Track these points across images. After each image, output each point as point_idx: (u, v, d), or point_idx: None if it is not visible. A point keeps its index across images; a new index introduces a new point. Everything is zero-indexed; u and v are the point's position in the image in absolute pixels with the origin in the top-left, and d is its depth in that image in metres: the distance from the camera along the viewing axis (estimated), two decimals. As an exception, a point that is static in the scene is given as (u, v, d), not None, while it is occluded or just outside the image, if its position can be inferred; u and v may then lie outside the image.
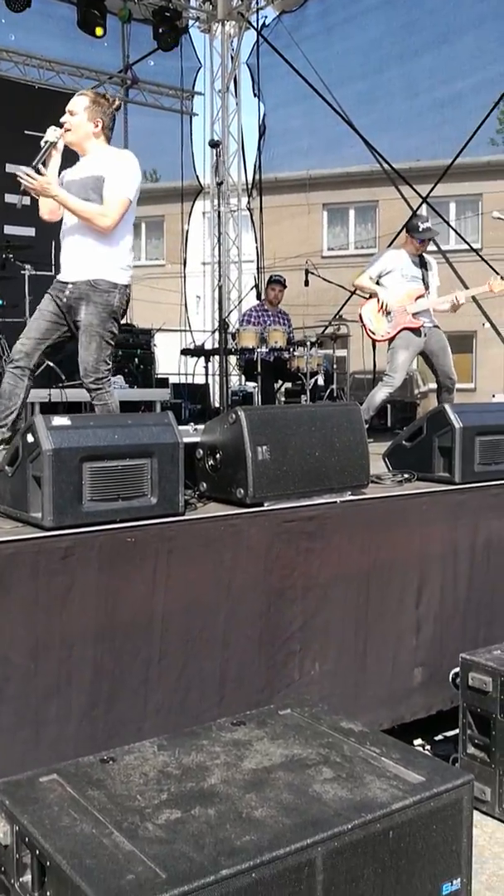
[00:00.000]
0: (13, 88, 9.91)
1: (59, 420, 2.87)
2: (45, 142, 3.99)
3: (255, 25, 11.31)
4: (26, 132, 9.86)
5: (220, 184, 7.24)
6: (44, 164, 4.02)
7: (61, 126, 4.05)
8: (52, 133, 4.01)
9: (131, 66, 11.36)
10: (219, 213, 6.69)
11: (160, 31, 10.80)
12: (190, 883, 1.78)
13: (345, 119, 10.08)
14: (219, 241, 6.31)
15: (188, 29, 11.70)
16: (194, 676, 3.09)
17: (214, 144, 6.73)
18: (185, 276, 12.49)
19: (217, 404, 9.31)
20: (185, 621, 3.05)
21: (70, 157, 4.17)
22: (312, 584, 3.42)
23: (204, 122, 12.36)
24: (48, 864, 1.90)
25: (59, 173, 4.11)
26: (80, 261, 4.05)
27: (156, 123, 11.95)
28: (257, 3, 11.63)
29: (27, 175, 3.86)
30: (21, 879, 2.05)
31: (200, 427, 3.57)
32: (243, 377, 9.30)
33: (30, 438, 2.87)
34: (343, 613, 3.54)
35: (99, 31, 10.08)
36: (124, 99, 11.46)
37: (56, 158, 4.06)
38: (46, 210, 4.18)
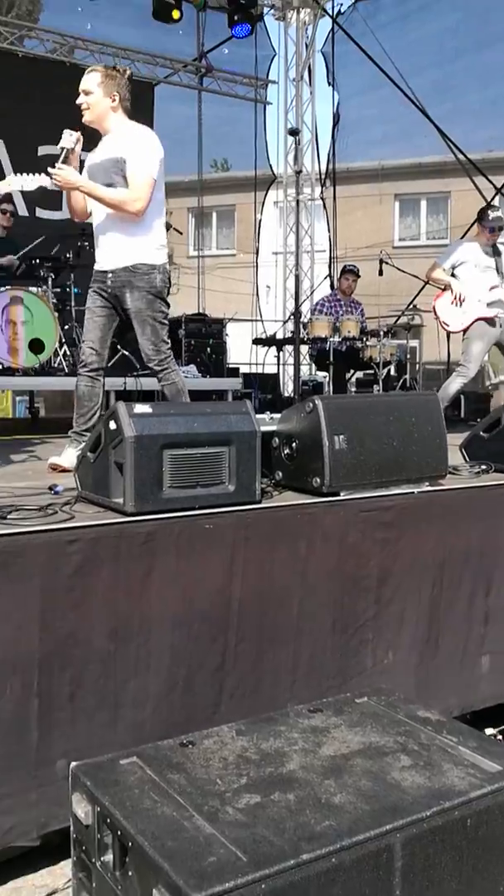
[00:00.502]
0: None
1: (141, 408, 2.91)
2: (62, 148, 3.90)
3: (331, 13, 11.21)
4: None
5: (298, 172, 7.18)
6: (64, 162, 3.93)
7: (76, 130, 3.96)
8: (67, 139, 3.90)
9: (206, 54, 11.38)
10: (297, 202, 6.64)
11: (235, 18, 10.77)
12: (271, 866, 1.79)
13: (419, 108, 9.92)
14: (297, 231, 6.27)
15: (263, 17, 11.65)
16: (268, 662, 3.11)
17: (294, 133, 6.68)
18: (257, 266, 12.49)
19: (287, 393, 9.31)
20: (260, 608, 3.07)
21: (92, 141, 4.12)
22: (387, 573, 3.41)
23: (277, 110, 12.32)
24: (130, 844, 1.93)
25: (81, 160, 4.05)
26: (115, 248, 4.02)
27: (230, 112, 11.96)
28: (333, -10, 11.52)
29: (55, 173, 3.82)
30: (102, 859, 2.09)
31: (276, 416, 3.57)
32: (314, 367, 9.27)
33: (112, 425, 2.92)
34: (416, 602, 3.53)
35: (175, 13, 9.97)
36: (199, 87, 11.50)
37: (75, 162, 3.98)
38: (75, 212, 4.16)
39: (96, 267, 4.13)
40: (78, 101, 3.98)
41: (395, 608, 3.45)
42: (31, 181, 3.77)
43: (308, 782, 2.14)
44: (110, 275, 4.04)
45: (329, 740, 2.37)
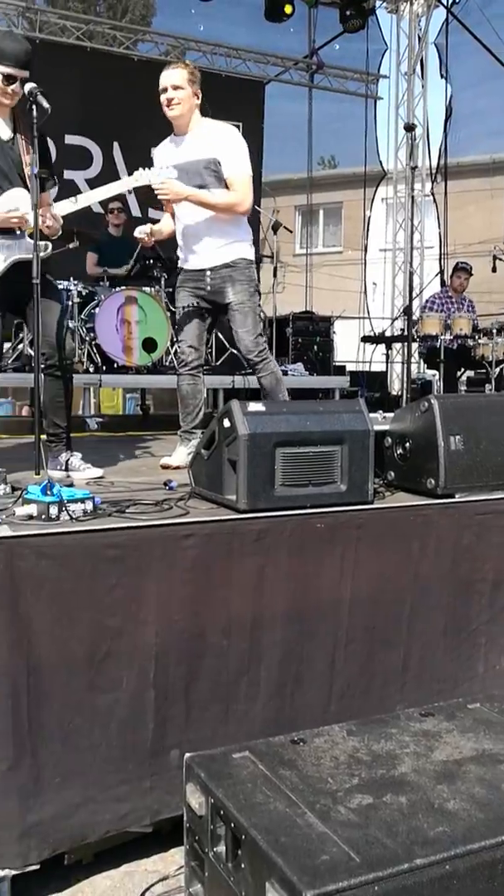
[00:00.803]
0: (201, 77, 10.10)
1: (255, 406, 2.94)
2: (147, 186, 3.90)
3: (445, 3, 11.00)
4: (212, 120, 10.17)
5: (413, 168, 7.08)
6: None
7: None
8: (146, 177, 3.84)
9: (317, 50, 11.34)
10: (412, 198, 6.56)
11: (347, 13, 10.67)
12: (384, 869, 1.79)
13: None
14: (410, 227, 6.18)
15: (375, 10, 11.53)
16: (378, 663, 3.10)
17: (409, 128, 6.59)
18: (365, 263, 12.40)
19: (395, 392, 9.21)
20: (371, 608, 3.06)
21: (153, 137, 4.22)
22: (502, 578, 3.33)
23: (388, 105, 12.19)
24: (243, 837, 1.97)
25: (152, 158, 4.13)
26: (214, 247, 4.09)
27: (339, 108, 11.89)
28: (448, -21, 11.31)
29: (160, 188, 3.89)
30: (215, 849, 2.13)
31: (389, 415, 3.54)
32: (424, 365, 9.14)
33: (226, 423, 2.95)
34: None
35: (288, 8, 9.95)
36: (310, 85, 11.47)
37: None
38: (166, 231, 4.26)
39: (188, 266, 4.23)
40: (166, 96, 3.99)
41: (509, 613, 3.38)
42: (156, 175, 3.85)
43: (420, 786, 2.12)
44: (209, 272, 4.12)
45: (441, 745, 2.35)
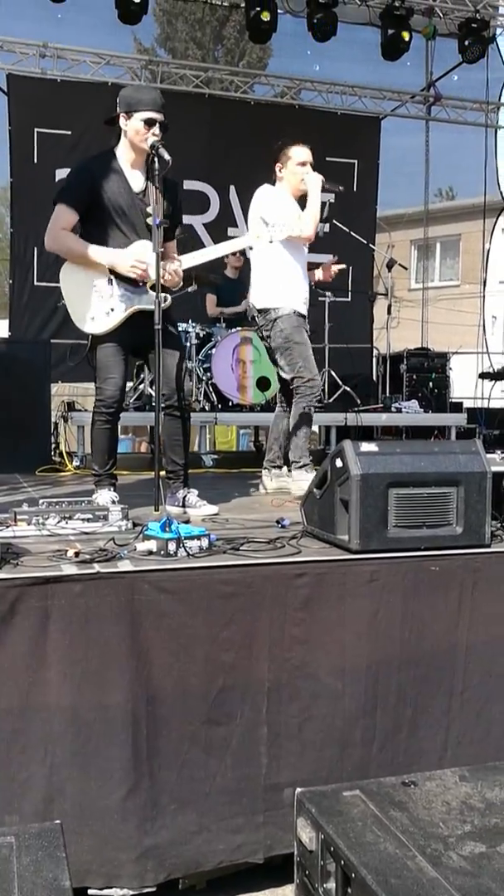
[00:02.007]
0: (316, 116, 10.29)
1: (368, 446, 2.97)
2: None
3: None
4: (328, 159, 10.31)
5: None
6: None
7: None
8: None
9: (434, 82, 11.32)
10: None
11: (466, 43, 10.57)
12: (496, 919, 1.78)
13: None
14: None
15: (496, 38, 11.40)
16: (497, 712, 3.03)
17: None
18: (483, 296, 12.22)
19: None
20: (489, 655, 3.01)
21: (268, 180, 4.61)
22: None
23: (511, 134, 12.00)
24: (353, 875, 1.98)
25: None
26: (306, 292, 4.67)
27: (457, 139, 11.79)
28: None
29: None
30: (325, 885, 2.15)
31: (507, 456, 3.50)
32: None
33: (338, 463, 3.00)
34: None
35: (405, 35, 10.08)
36: (426, 117, 11.45)
37: None
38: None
39: (300, 310, 4.60)
40: (304, 170, 4.56)
41: None
42: (224, 248, 4.16)
43: (535, 837, 2.09)
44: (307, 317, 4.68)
45: None
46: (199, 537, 2.87)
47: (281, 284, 4.54)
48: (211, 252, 4.07)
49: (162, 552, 2.78)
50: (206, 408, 7.06)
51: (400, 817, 2.18)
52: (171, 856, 2.63)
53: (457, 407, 9.14)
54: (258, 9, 8.34)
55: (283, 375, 4.61)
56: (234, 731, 2.70)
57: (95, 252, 3.63)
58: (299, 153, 4.57)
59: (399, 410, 7.94)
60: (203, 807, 2.68)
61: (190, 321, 7.14)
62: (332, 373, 8.02)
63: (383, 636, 2.85)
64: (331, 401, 7.77)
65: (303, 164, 4.55)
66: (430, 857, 1.99)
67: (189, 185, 9.20)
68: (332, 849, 2.11)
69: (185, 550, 2.79)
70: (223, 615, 2.69)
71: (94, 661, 2.56)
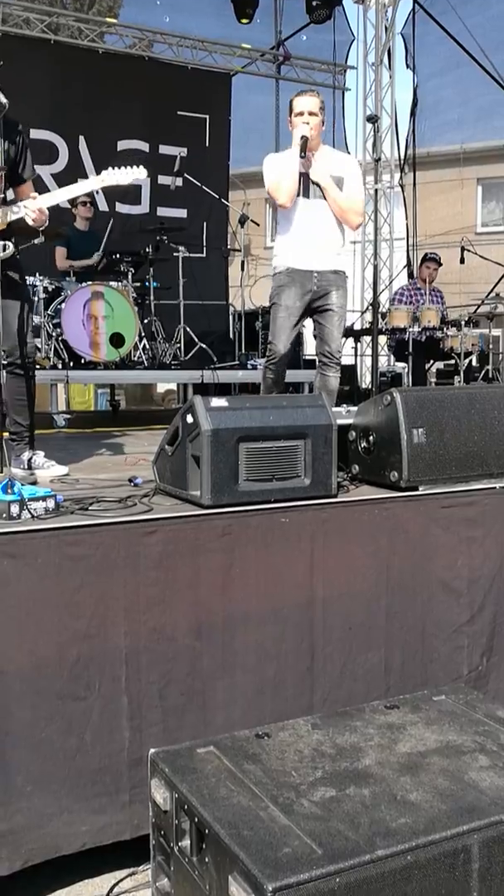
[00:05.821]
0: (167, 70, 10.09)
1: (217, 401, 2.94)
2: (303, 136, 4.32)
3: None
4: (179, 112, 10.14)
5: (377, 160, 7.06)
6: (302, 154, 4.33)
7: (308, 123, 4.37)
8: (305, 128, 4.31)
9: (283, 42, 11.30)
10: (375, 191, 6.54)
11: (313, 4, 10.64)
12: (346, 860, 1.81)
13: (502, 85, 9.68)
14: (375, 220, 6.19)
15: (341, 1, 11.50)
16: (360, 666, 3.07)
17: (372, 119, 6.57)
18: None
19: (365, 385, 9.22)
20: (346, 607, 3.04)
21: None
22: (477, 574, 3.32)
23: (357, 96, 12.15)
24: (207, 831, 1.97)
25: None
26: (327, 251, 4.50)
27: (307, 100, 11.84)
28: (414, -32, 11.28)
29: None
30: (180, 844, 2.13)
31: (353, 409, 3.55)
32: (393, 358, 9.16)
33: (189, 419, 2.95)
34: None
35: (244, 21, 10.38)
36: (277, 76, 11.43)
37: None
38: (287, 197, 4.45)
39: (297, 266, 4.49)
40: (305, 121, 4.38)
41: (488, 613, 3.37)
42: (125, 175, 3.84)
43: (383, 778, 2.14)
44: (315, 274, 4.47)
45: (405, 737, 2.37)
46: (44, 498, 2.75)
47: (278, 243, 4.59)
48: (70, 190, 3.91)
49: (4, 515, 2.65)
50: (58, 365, 6.82)
51: (253, 770, 2.19)
52: (28, 840, 2.52)
53: (310, 364, 9.25)
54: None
55: (341, 340, 4.69)
56: (93, 704, 2.60)
57: None
58: (297, 103, 4.47)
59: (255, 367, 7.95)
60: (63, 788, 2.57)
61: (37, 274, 6.85)
62: (188, 329, 7.93)
63: (239, 592, 2.83)
64: (187, 358, 7.69)
65: (299, 114, 4.43)
66: (282, 806, 2.00)
67: (35, 133, 8.81)
68: (185, 807, 2.09)
69: (30, 512, 2.67)
70: (73, 579, 2.60)
71: None
